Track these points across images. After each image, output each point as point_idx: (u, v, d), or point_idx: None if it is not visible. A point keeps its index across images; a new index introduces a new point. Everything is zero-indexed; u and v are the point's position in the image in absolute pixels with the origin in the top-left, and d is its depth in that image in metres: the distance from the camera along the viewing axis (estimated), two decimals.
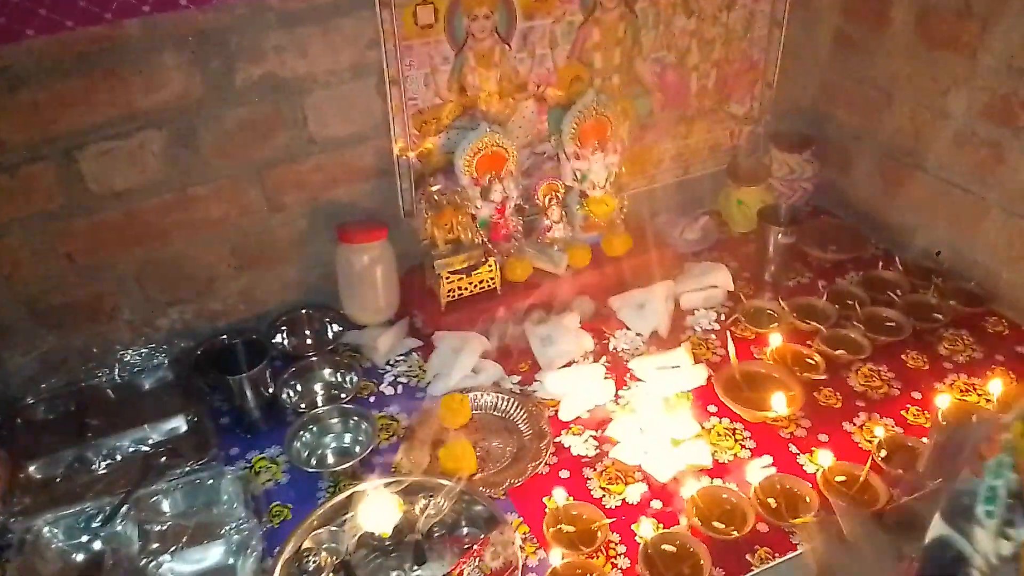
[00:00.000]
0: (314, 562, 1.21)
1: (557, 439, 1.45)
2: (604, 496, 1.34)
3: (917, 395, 1.51)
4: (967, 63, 1.65)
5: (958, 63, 1.67)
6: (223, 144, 1.51)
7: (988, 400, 1.47)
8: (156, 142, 1.46)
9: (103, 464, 1.43)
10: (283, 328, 1.68)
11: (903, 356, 1.60)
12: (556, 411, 1.51)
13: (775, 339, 1.59)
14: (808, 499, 1.29)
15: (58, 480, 1.39)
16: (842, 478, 1.32)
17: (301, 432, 1.44)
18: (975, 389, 1.51)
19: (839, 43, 1.95)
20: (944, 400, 1.43)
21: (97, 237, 1.50)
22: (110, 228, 1.50)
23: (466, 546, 1.23)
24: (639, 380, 1.57)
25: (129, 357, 1.57)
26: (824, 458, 1.34)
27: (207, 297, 1.64)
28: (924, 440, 1.37)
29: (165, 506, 1.33)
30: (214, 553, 1.25)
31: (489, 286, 1.68)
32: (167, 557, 1.24)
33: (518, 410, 1.50)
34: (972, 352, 1.60)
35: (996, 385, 1.46)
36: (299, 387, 1.56)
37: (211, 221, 1.58)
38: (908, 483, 1.27)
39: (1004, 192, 1.65)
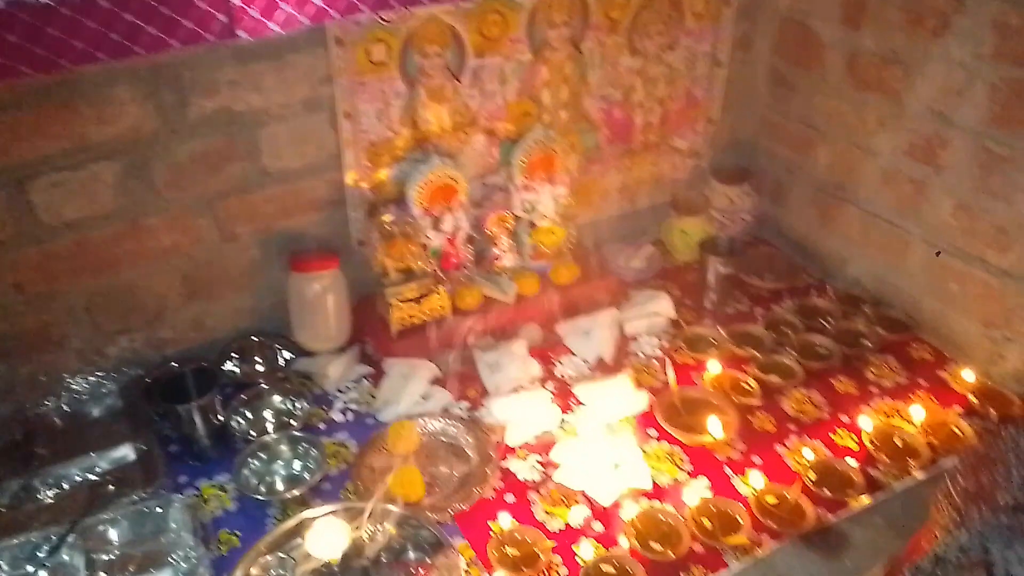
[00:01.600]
0: None
1: (504, 463, 1.49)
2: (548, 519, 1.39)
3: (845, 418, 1.59)
4: (893, 105, 1.76)
5: (885, 105, 1.78)
6: (176, 176, 1.54)
7: (911, 423, 1.55)
8: (109, 173, 1.47)
9: (49, 493, 1.42)
10: (234, 355, 1.70)
11: (833, 381, 1.68)
12: (503, 436, 1.55)
13: (713, 366, 1.66)
14: (741, 520, 1.35)
15: (3, 510, 1.38)
16: (773, 500, 1.39)
17: (250, 460, 1.46)
18: (899, 413, 1.59)
19: (776, 83, 2.05)
20: (867, 423, 1.51)
21: (47, 267, 1.50)
22: (60, 258, 1.51)
23: (412, 571, 1.26)
24: (583, 405, 1.62)
25: (77, 385, 1.57)
26: (756, 480, 1.41)
27: (157, 325, 1.65)
28: (850, 461, 1.45)
29: (112, 535, 1.33)
30: None
31: (439, 314, 1.72)
32: None
33: (466, 436, 1.54)
34: (897, 377, 1.69)
35: (917, 410, 1.55)
36: (249, 414, 1.57)
37: (162, 250, 1.59)
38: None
39: (926, 226, 1.76)
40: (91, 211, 1.49)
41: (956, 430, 1.52)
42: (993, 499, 1.00)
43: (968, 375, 1.64)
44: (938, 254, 1.70)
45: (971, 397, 1.60)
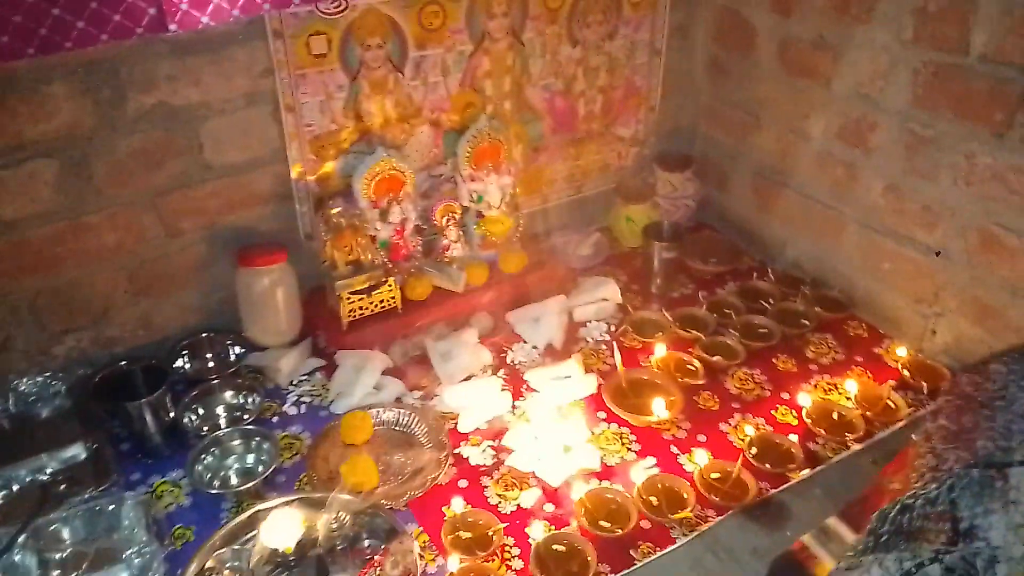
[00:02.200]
0: None
1: (456, 450, 1.52)
2: (500, 502, 1.42)
3: (786, 395, 1.65)
4: (823, 90, 1.82)
5: (816, 90, 1.84)
6: (116, 172, 1.52)
7: (848, 398, 1.62)
8: (47, 171, 1.46)
9: None
10: (184, 353, 1.69)
11: (774, 360, 1.74)
12: (456, 424, 1.57)
13: (659, 349, 1.71)
14: (686, 495, 1.39)
15: None
16: (717, 475, 1.44)
17: (203, 455, 1.47)
18: (836, 388, 1.66)
19: (714, 69, 2.10)
20: (806, 399, 1.57)
21: None
22: (0, 258, 1.48)
23: (367, 557, 1.28)
24: (534, 391, 1.65)
25: (24, 387, 1.54)
26: (700, 458, 1.46)
27: (104, 324, 1.64)
28: (791, 437, 1.51)
29: (65, 534, 1.33)
30: None
31: (390, 305, 1.73)
32: None
33: (419, 424, 1.56)
34: (835, 354, 1.76)
35: (852, 384, 1.62)
36: (201, 410, 1.58)
37: (106, 248, 1.58)
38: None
39: (858, 207, 1.82)
40: (30, 210, 1.47)
41: (890, 403, 1.59)
42: (972, 445, 1.00)
43: (901, 351, 1.71)
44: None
45: (904, 371, 1.67)
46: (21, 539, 1.28)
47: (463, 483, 1.46)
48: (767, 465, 1.45)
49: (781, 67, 1.90)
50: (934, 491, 1.01)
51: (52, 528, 1.32)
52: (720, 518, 1.38)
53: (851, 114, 1.77)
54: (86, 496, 1.37)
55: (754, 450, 1.49)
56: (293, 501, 1.35)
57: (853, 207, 1.83)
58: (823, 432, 1.52)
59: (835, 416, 1.57)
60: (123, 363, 1.61)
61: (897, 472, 1.05)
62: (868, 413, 1.57)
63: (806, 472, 1.47)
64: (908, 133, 1.66)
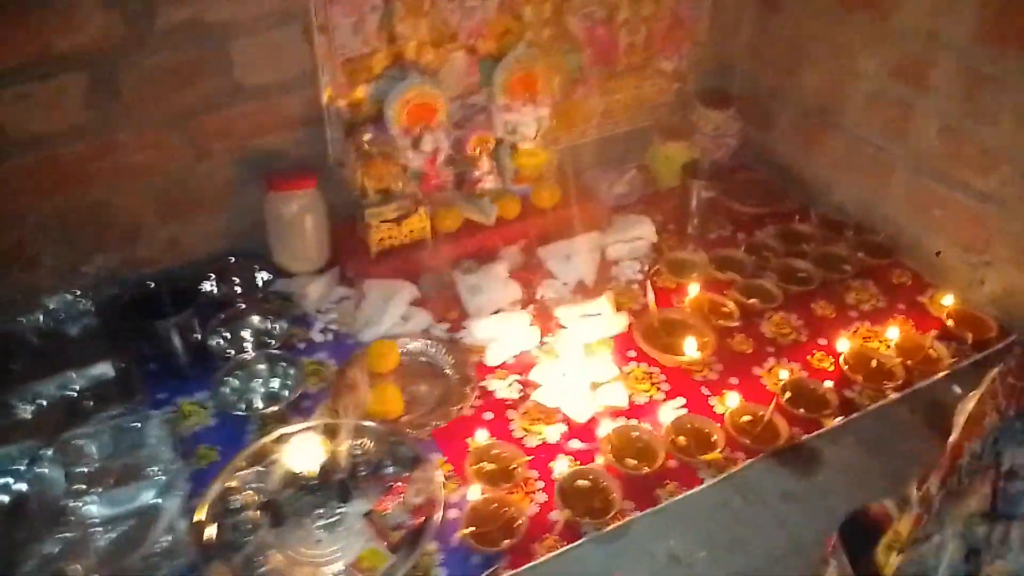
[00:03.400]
0: (239, 501, 1.24)
1: (483, 383, 1.50)
2: (525, 436, 1.40)
3: (823, 341, 1.60)
4: (880, 24, 1.72)
5: (872, 24, 1.74)
6: (145, 89, 1.50)
7: (888, 346, 1.56)
8: (75, 86, 1.43)
9: (27, 409, 1.42)
10: (211, 276, 1.68)
11: (812, 305, 1.68)
12: (483, 357, 1.55)
13: (693, 288, 1.66)
14: (715, 437, 1.36)
15: None
16: (748, 418, 1.40)
17: (228, 377, 1.46)
18: (876, 336, 1.60)
19: (763, 3, 2.00)
20: (844, 345, 1.52)
21: (16, 183, 1.47)
22: (29, 174, 1.48)
23: (390, 484, 1.27)
24: (563, 327, 1.62)
25: (53, 304, 1.56)
26: (732, 400, 1.42)
27: (133, 244, 1.63)
28: (826, 383, 1.46)
29: (92, 449, 1.34)
30: (140, 494, 1.27)
31: (420, 236, 1.70)
32: (92, 497, 1.25)
33: (445, 356, 1.54)
34: (876, 302, 1.70)
35: (893, 332, 1.56)
36: (228, 334, 1.57)
37: (135, 168, 1.56)
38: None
39: (910, 150, 1.74)
40: (59, 125, 1.46)
41: (932, 352, 1.54)
42: None
43: (947, 299, 1.64)
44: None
45: (948, 321, 1.61)
46: (49, 453, 1.30)
47: (488, 415, 1.44)
48: (801, 410, 1.41)
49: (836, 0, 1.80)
50: (978, 446, 0.97)
51: (79, 443, 1.33)
52: (749, 461, 1.35)
53: (909, 50, 1.67)
54: (113, 413, 1.38)
55: (788, 394, 1.44)
56: (317, 426, 1.35)
57: (905, 149, 1.75)
58: (860, 379, 1.47)
59: (873, 364, 1.51)
60: (151, 283, 1.60)
61: (969, 436, 1.00)
62: (908, 362, 1.51)
63: (840, 419, 1.43)
64: (969, 71, 1.57)
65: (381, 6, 1.60)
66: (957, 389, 1.47)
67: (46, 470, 1.29)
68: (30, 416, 1.41)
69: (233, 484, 1.27)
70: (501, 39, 1.76)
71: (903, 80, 1.71)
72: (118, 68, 1.46)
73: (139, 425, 1.36)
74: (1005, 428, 0.96)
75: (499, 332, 1.59)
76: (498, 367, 1.54)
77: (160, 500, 1.26)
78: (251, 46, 1.54)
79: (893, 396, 1.47)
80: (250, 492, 1.26)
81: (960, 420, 1.29)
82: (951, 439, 1.14)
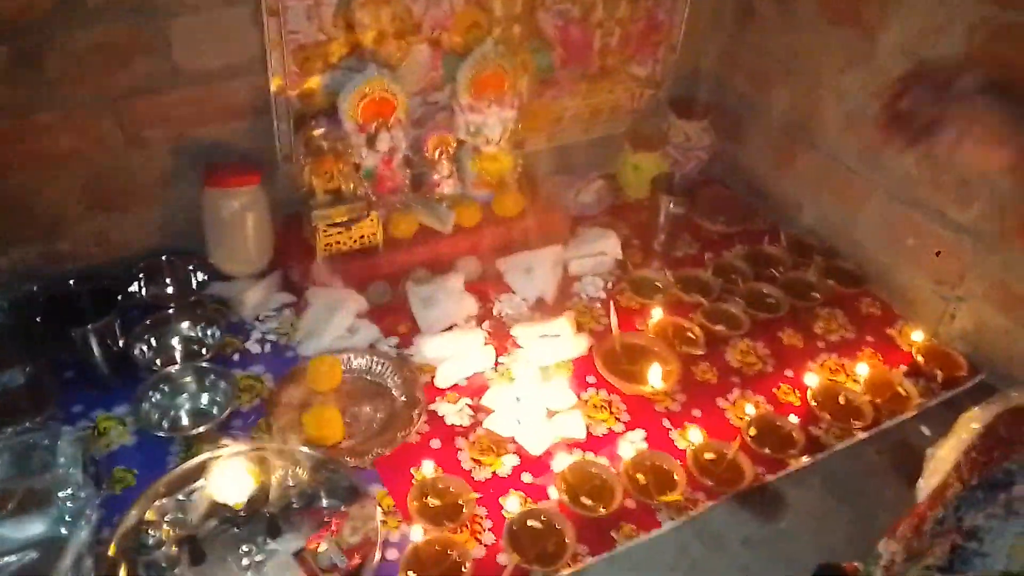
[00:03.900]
0: (154, 536, 1.12)
1: (431, 406, 1.40)
2: (474, 468, 1.30)
3: (790, 373, 1.53)
4: (866, 43, 1.65)
5: (856, 42, 1.67)
6: (73, 68, 1.35)
7: (855, 381, 1.50)
8: None
9: None
10: (141, 275, 1.54)
11: (780, 333, 1.62)
12: (433, 377, 1.45)
13: (657, 312, 1.58)
14: (676, 476, 1.28)
15: None
16: (711, 456, 1.33)
17: (152, 392, 1.34)
18: (844, 369, 1.54)
19: (743, 11, 1.91)
20: (812, 380, 1.46)
21: None
22: None
23: (324, 519, 1.17)
24: (520, 347, 1.52)
25: None
26: (695, 435, 1.35)
27: (54, 238, 1.49)
28: (791, 418, 1.40)
29: None
30: (44, 522, 1.14)
31: (370, 242, 1.59)
32: None
33: (392, 375, 1.44)
34: (844, 332, 1.64)
35: (863, 368, 1.50)
36: (154, 341, 1.44)
37: (60, 154, 1.42)
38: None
39: (888, 175, 1.68)
40: None
41: (901, 390, 1.48)
42: (990, 474, 0.96)
43: (917, 335, 1.59)
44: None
45: (918, 356, 1.55)
46: None
47: (435, 443, 1.34)
48: (766, 449, 1.34)
49: (820, 13, 1.73)
50: (941, 513, 0.96)
51: None
52: (711, 503, 1.27)
53: (894, 71, 1.60)
54: (19, 428, 1.25)
55: (753, 431, 1.37)
56: (247, 451, 1.23)
57: (882, 174, 1.69)
58: (828, 417, 1.41)
59: (841, 400, 1.45)
60: (72, 282, 1.45)
61: (934, 506, 0.98)
62: (877, 400, 1.45)
63: (806, 459, 1.36)
64: None
65: None
66: (926, 431, 1.42)
67: None
68: None
69: (150, 516, 1.14)
70: (467, 33, 1.65)
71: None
72: (43, 42, 1.31)
73: (48, 442, 1.23)
74: (967, 497, 0.96)
75: (451, 351, 1.48)
76: (448, 389, 1.44)
77: (66, 531, 1.13)
78: (194, 26, 1.41)
79: (861, 436, 1.41)
80: (167, 526, 1.14)
81: (929, 467, 1.27)
82: (919, 496, 1.12)
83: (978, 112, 0.94)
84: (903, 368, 1.54)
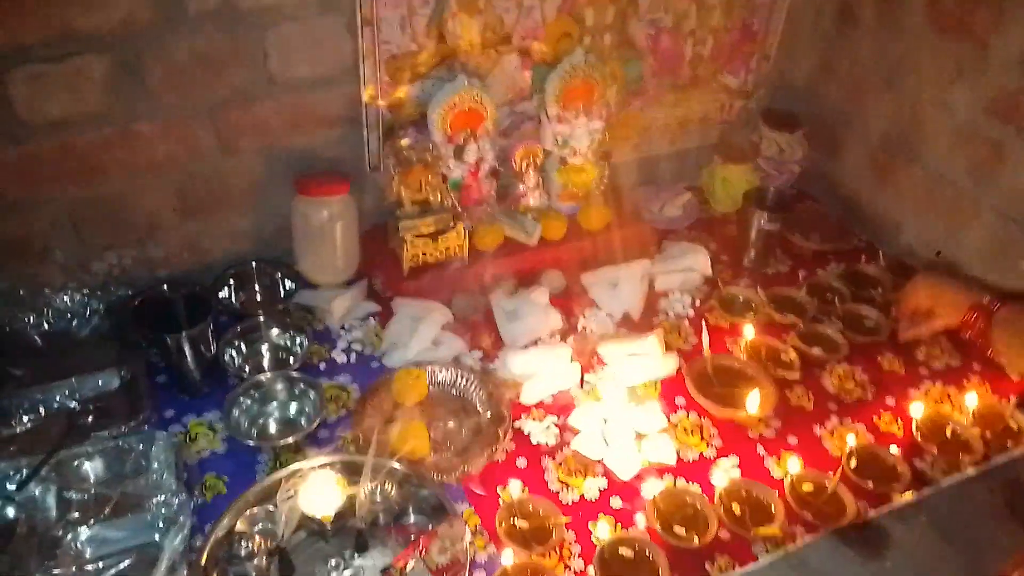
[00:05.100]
0: (246, 546, 1.12)
1: (516, 424, 1.37)
2: (561, 490, 1.27)
3: (891, 401, 1.46)
4: (978, 53, 1.56)
5: (967, 53, 1.58)
6: (172, 77, 1.37)
7: (962, 412, 1.42)
8: (96, 69, 1.31)
9: (24, 419, 1.31)
10: (230, 282, 1.56)
11: (879, 358, 1.54)
12: (518, 393, 1.42)
13: (749, 331, 1.52)
14: (774, 508, 1.23)
15: None
16: (809, 487, 1.27)
17: (242, 398, 1.34)
18: (950, 399, 1.46)
19: (844, 19, 1.84)
20: (918, 410, 1.38)
21: (27, 170, 1.35)
22: (43, 161, 1.35)
23: (411, 537, 1.15)
24: (606, 365, 1.49)
25: (60, 302, 1.43)
26: (792, 465, 1.29)
27: (148, 243, 1.51)
28: (892, 449, 1.33)
29: (88, 471, 1.23)
30: (140, 528, 1.15)
31: (456, 253, 1.57)
32: (85, 529, 1.14)
33: (477, 389, 1.41)
34: (949, 359, 1.55)
35: (972, 398, 1.42)
36: (244, 348, 1.45)
37: (156, 161, 1.44)
38: None
39: (999, 193, 1.58)
40: (77, 110, 1.33)
41: (1012, 424, 1.39)
42: None
43: None
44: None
45: None
46: (43, 472, 1.19)
47: (522, 462, 1.31)
48: (869, 483, 1.27)
49: (928, 21, 1.64)
50: None
51: (75, 463, 1.22)
52: (810, 538, 1.21)
53: (1008, 84, 1.52)
54: (115, 432, 1.26)
55: (854, 462, 1.31)
56: (335, 463, 1.23)
57: (993, 192, 1.59)
58: (935, 451, 1.33)
59: (948, 433, 1.37)
60: (165, 287, 1.47)
61: None
62: (987, 433, 1.37)
63: (911, 495, 1.29)
64: None
65: (432, 1, 1.46)
66: None
67: (37, 491, 1.18)
68: (28, 427, 1.30)
69: (240, 527, 1.14)
70: (558, 43, 1.62)
71: (999, 116, 1.55)
72: (143, 53, 1.33)
73: (142, 447, 1.24)
74: None
75: (537, 366, 1.45)
76: (535, 406, 1.41)
77: (160, 537, 1.14)
78: (289, 36, 1.41)
79: (970, 471, 1.33)
80: (258, 537, 1.14)
81: None
82: None
83: None
84: (1013, 399, 1.45)
